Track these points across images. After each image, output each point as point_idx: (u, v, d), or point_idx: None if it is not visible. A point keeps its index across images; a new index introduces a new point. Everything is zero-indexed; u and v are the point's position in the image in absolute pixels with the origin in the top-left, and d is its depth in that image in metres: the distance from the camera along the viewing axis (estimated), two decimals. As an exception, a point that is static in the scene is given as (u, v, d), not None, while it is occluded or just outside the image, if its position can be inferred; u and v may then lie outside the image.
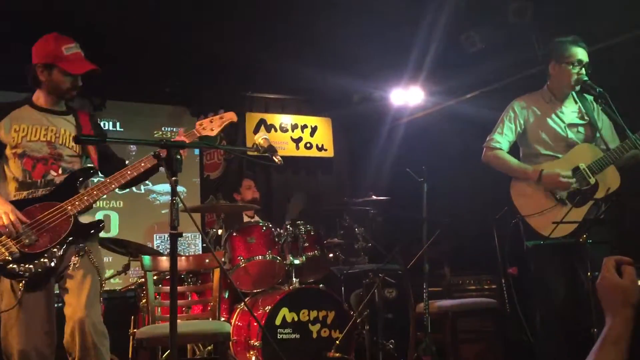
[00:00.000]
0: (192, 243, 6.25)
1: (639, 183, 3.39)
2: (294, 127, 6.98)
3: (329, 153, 7.11)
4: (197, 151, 6.53)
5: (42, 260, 2.62)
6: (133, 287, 4.74)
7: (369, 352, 4.20)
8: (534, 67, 4.97)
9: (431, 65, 5.78)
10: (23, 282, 2.59)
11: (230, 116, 3.05)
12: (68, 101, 2.95)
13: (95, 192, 2.77)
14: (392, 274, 4.59)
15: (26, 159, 2.77)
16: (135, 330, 4.44)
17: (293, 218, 5.03)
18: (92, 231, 2.82)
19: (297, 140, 6.94)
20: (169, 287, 3.90)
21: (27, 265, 2.58)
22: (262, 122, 6.81)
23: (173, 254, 1.85)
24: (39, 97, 2.90)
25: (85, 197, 2.75)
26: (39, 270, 2.61)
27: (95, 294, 2.76)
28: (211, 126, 2.99)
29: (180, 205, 1.99)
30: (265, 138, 2.57)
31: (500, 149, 3.35)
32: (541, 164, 3.28)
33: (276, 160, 2.52)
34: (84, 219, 2.79)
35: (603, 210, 3.05)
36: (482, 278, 5.02)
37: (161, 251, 5.70)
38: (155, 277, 4.11)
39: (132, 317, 4.60)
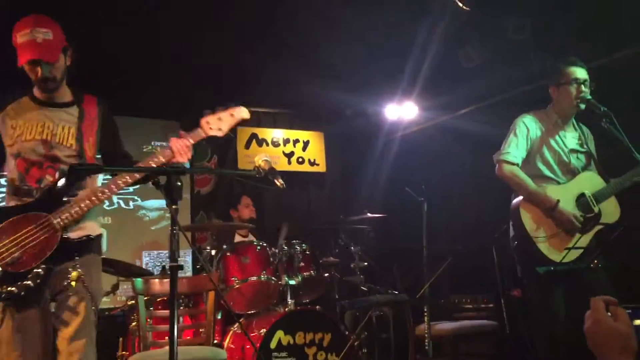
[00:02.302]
0: (181, 260, 6.08)
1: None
2: (286, 141, 6.88)
3: (321, 168, 7.02)
4: (187, 166, 6.38)
5: (25, 282, 2.38)
6: (123, 308, 4.59)
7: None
8: (530, 83, 4.95)
9: (425, 80, 5.74)
10: (7, 304, 2.40)
11: (242, 113, 2.70)
12: (49, 92, 2.62)
13: (85, 202, 2.50)
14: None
15: (19, 160, 2.55)
16: (124, 352, 4.29)
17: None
18: (83, 248, 2.56)
19: (289, 155, 6.84)
20: (160, 311, 3.82)
21: (9, 288, 2.36)
22: (253, 136, 6.71)
23: (173, 288, 1.73)
24: (36, 88, 2.64)
25: (74, 210, 2.48)
26: (22, 293, 2.38)
27: (86, 324, 2.53)
28: (219, 125, 2.66)
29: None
30: (267, 160, 2.44)
31: (517, 164, 3.26)
32: (544, 187, 3.21)
33: (278, 183, 2.40)
34: (74, 234, 2.53)
35: (615, 234, 2.99)
36: (479, 297, 4.94)
37: (150, 269, 5.57)
38: (145, 299, 3.98)
39: (120, 338, 4.46)
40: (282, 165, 6.75)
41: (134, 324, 4.07)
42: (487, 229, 4.66)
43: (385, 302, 4.14)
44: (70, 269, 2.51)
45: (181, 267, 1.77)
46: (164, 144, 6.12)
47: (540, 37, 4.69)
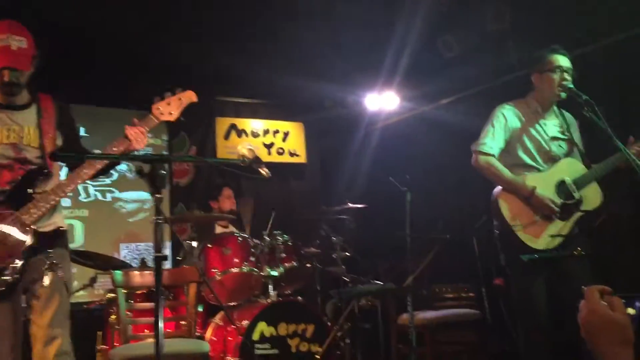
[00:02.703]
0: (160, 252, 6.02)
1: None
2: (266, 132, 6.81)
3: (302, 159, 6.97)
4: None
5: (3, 277, 2.46)
6: (101, 302, 4.50)
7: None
8: (511, 73, 4.96)
9: (406, 70, 5.71)
10: None
11: (189, 95, 2.83)
12: (13, 95, 2.67)
13: (52, 197, 2.58)
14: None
15: None
16: (103, 346, 4.21)
17: (248, 222, 4.90)
18: (54, 240, 2.65)
19: (269, 146, 6.78)
20: (140, 304, 3.75)
21: None
22: (232, 127, 6.62)
23: (158, 278, 1.69)
24: None
25: (41, 204, 2.56)
26: (2, 288, 2.47)
27: (62, 312, 2.63)
28: (169, 109, 2.79)
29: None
30: (251, 149, 2.42)
31: (493, 155, 3.26)
32: (524, 175, 3.22)
33: (263, 172, 2.37)
34: (45, 228, 2.62)
35: (598, 223, 3.01)
36: (460, 287, 4.96)
37: (128, 261, 5.48)
38: (124, 292, 3.91)
39: (99, 332, 4.37)
40: (262, 156, 6.49)
41: (113, 317, 4.00)
42: (469, 219, 4.68)
43: (373, 291, 4.13)
44: (45, 260, 2.59)
45: (165, 258, 1.73)
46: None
47: (518, 27, 4.70)
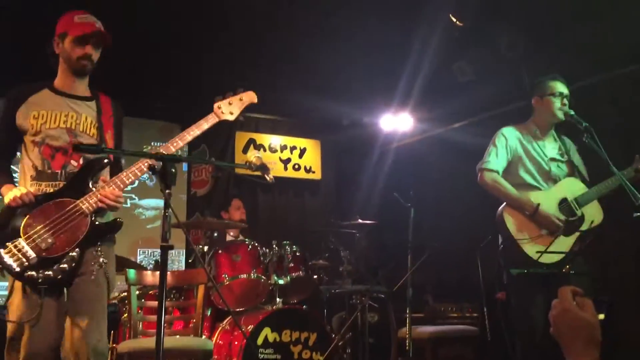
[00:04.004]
0: (175, 259, 6.23)
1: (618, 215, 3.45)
2: (283, 148, 7.02)
3: (317, 175, 7.15)
4: (185, 167, 6.54)
5: (61, 265, 2.46)
6: (115, 301, 4.68)
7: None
8: (523, 99, 5.07)
9: (421, 93, 5.87)
10: (42, 289, 2.43)
11: (251, 97, 2.89)
12: (80, 75, 2.74)
13: (111, 189, 2.58)
14: (374, 298, 4.61)
15: (44, 147, 2.62)
16: (115, 345, 4.37)
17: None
18: (110, 232, 2.67)
19: (286, 162, 6.98)
20: (151, 302, 3.93)
21: (46, 272, 2.43)
22: (251, 141, 6.84)
23: (163, 266, 1.85)
24: (60, 79, 2.75)
25: (101, 196, 2.56)
26: (59, 277, 2.46)
27: (102, 309, 2.62)
28: (230, 109, 2.83)
29: (172, 219, 2.01)
30: (258, 156, 2.57)
31: (497, 172, 3.40)
32: (527, 193, 3.34)
33: (268, 178, 2.53)
34: (101, 219, 2.64)
35: (587, 242, 3.11)
36: (464, 306, 5.05)
37: (144, 266, 5.67)
38: (138, 292, 4.08)
39: (112, 331, 4.54)
40: (278, 171, 6.87)
41: (125, 315, 4.17)
42: (476, 238, 4.77)
43: (363, 291, 4.27)
44: (94, 254, 2.60)
45: (171, 247, 1.88)
46: (164, 144, 6.26)
47: (531, 55, 4.84)
